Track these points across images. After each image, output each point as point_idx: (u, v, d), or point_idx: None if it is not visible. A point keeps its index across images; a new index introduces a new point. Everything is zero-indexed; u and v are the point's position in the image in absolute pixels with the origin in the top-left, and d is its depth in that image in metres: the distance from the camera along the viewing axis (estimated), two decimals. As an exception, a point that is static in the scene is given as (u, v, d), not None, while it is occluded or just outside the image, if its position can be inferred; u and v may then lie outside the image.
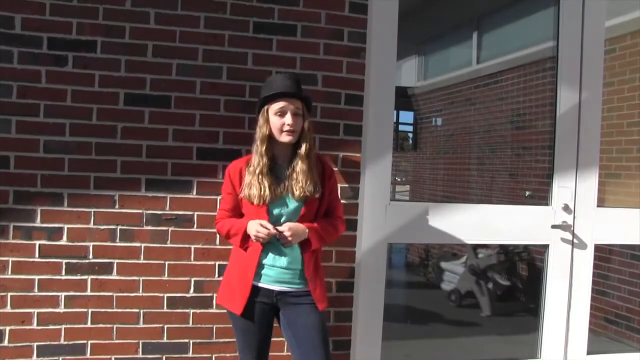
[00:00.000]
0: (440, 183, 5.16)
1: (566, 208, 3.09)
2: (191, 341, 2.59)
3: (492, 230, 3.03)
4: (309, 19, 2.66)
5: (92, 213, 2.49)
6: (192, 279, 2.58)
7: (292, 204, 2.20)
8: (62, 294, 2.47)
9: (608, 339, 3.75)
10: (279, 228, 2.14)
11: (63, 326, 2.47)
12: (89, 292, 2.49)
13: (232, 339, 2.43)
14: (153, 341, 2.55)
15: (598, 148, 3.14)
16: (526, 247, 3.97)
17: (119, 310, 2.52)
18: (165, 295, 2.56)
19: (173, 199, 2.55)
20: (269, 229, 2.11)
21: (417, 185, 5.36)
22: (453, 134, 5.12)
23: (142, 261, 2.53)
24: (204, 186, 2.57)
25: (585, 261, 3.13)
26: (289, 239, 2.14)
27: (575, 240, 3.11)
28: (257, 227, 2.12)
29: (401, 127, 5.26)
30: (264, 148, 2.17)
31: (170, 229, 2.55)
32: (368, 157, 2.79)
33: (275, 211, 2.19)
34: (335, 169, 2.68)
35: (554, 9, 3.16)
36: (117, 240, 2.51)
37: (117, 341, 2.52)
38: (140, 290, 2.53)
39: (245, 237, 2.19)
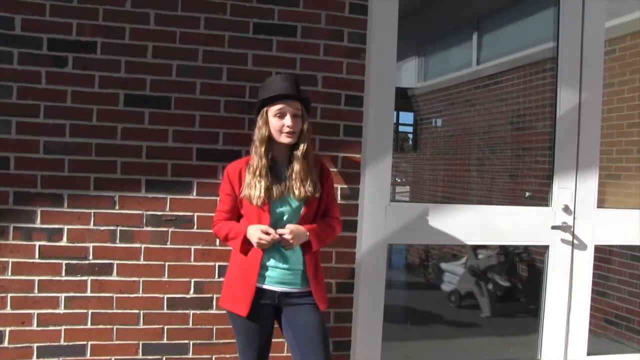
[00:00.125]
0: (441, 184, 5.16)
1: (566, 209, 3.09)
2: (191, 342, 2.59)
3: (492, 231, 3.03)
4: (309, 19, 2.67)
5: (92, 214, 2.49)
6: (192, 280, 2.58)
7: (294, 204, 2.21)
8: (62, 295, 2.47)
9: (608, 340, 3.75)
10: (280, 231, 2.14)
11: (63, 327, 2.47)
12: (89, 293, 2.49)
13: (232, 340, 2.42)
14: (153, 342, 2.55)
15: (598, 149, 3.14)
16: (526, 248, 3.96)
17: (119, 311, 2.52)
18: (165, 296, 2.56)
19: (173, 200, 2.55)
20: (271, 234, 2.11)
21: (417, 186, 5.36)
22: (453, 135, 5.12)
23: (142, 262, 2.53)
24: (204, 187, 2.57)
25: (585, 262, 3.13)
26: (291, 241, 2.14)
27: (575, 241, 3.11)
28: (259, 234, 2.11)
29: (401, 128, 5.26)
30: (263, 149, 2.17)
31: (170, 230, 2.55)
32: (368, 157, 2.79)
33: (278, 211, 2.19)
34: (334, 169, 2.68)
35: (554, 9, 3.16)
36: (117, 241, 2.51)
37: (117, 342, 2.52)
38: (140, 291, 2.53)
39: (245, 242, 2.18)
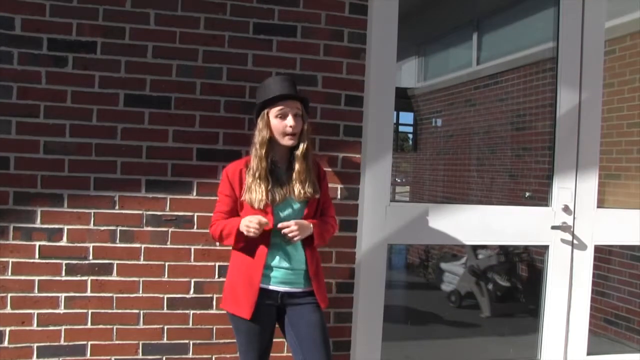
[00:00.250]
0: (441, 184, 5.16)
1: (566, 209, 3.09)
2: (191, 342, 2.59)
3: (492, 231, 3.03)
4: (309, 19, 2.67)
5: (92, 214, 2.49)
6: (192, 280, 2.58)
7: (295, 205, 2.22)
8: (62, 295, 2.47)
9: (608, 340, 3.75)
10: (283, 224, 2.15)
11: (63, 327, 2.47)
12: (89, 293, 2.49)
13: (232, 340, 2.42)
14: (153, 342, 2.55)
15: (598, 149, 3.14)
16: (526, 248, 3.96)
17: (119, 311, 2.52)
18: (165, 296, 2.56)
19: (173, 200, 2.55)
20: (258, 219, 2.09)
21: (417, 186, 5.35)
22: (453, 135, 5.12)
23: (142, 262, 2.53)
24: (204, 187, 2.57)
25: (585, 262, 3.13)
26: (296, 232, 2.14)
27: (575, 241, 3.11)
28: (246, 223, 2.10)
29: (401, 128, 5.25)
30: (263, 151, 2.17)
31: (170, 229, 2.55)
32: (368, 158, 2.79)
33: (281, 214, 2.20)
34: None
35: (554, 9, 3.16)
36: (117, 241, 2.51)
37: (117, 342, 2.52)
38: (140, 291, 2.53)
39: (239, 235, 2.16)
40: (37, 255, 2.44)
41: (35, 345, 2.45)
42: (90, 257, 2.49)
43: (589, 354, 3.16)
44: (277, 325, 2.29)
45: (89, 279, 2.49)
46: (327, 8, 2.69)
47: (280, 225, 2.15)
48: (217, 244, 2.56)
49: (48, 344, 2.46)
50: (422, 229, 2.92)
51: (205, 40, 2.57)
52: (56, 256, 2.46)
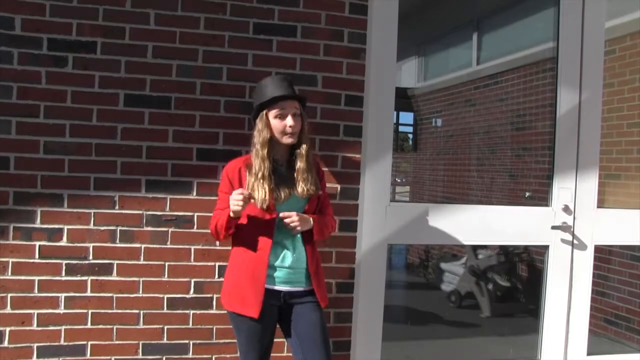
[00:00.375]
0: (441, 184, 5.15)
1: (566, 209, 3.09)
2: (191, 342, 2.59)
3: (492, 231, 3.03)
4: (309, 19, 2.67)
5: (92, 214, 2.49)
6: (192, 280, 2.58)
7: (298, 204, 2.22)
8: (62, 295, 2.47)
9: (608, 340, 3.75)
10: (287, 213, 2.16)
11: (63, 327, 2.47)
12: (89, 293, 2.49)
13: (232, 340, 2.43)
14: (153, 342, 2.55)
15: (598, 149, 3.14)
16: (526, 248, 3.96)
17: (119, 311, 2.52)
18: (165, 296, 2.56)
19: (173, 200, 2.55)
20: (242, 193, 2.08)
21: (417, 186, 5.35)
22: (453, 135, 5.12)
23: (142, 262, 2.53)
24: (204, 187, 2.57)
25: (585, 262, 3.13)
26: (297, 223, 2.15)
27: (575, 241, 3.11)
28: (231, 201, 2.09)
29: (401, 128, 5.25)
30: (265, 151, 2.17)
31: (170, 229, 2.55)
32: (368, 158, 2.79)
33: (279, 210, 2.20)
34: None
35: (554, 9, 3.16)
36: (117, 241, 2.51)
37: (117, 342, 2.52)
38: (140, 291, 2.53)
39: (230, 221, 2.15)
40: (37, 255, 2.44)
41: (35, 345, 2.45)
42: (90, 257, 2.49)
43: (589, 354, 3.16)
44: (277, 325, 2.29)
45: (89, 279, 2.49)
46: (327, 8, 2.69)
47: (282, 214, 2.16)
48: (217, 243, 2.56)
49: (48, 344, 2.46)
50: (422, 229, 2.92)
51: (205, 40, 2.57)
52: (56, 256, 2.46)
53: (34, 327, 2.45)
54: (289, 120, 2.17)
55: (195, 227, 2.57)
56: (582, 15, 3.08)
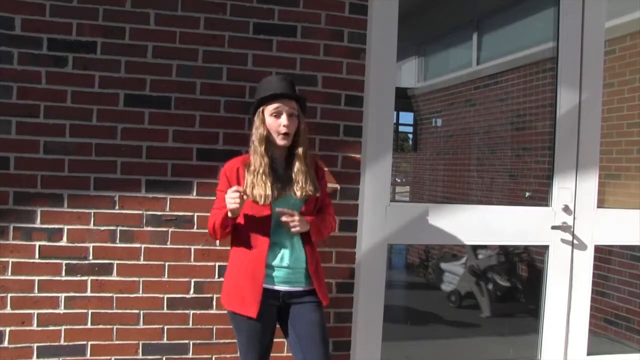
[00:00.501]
0: (441, 184, 5.15)
1: (566, 209, 3.09)
2: (191, 342, 2.59)
3: (492, 231, 3.03)
4: (309, 19, 2.67)
5: (92, 214, 2.49)
6: (192, 280, 2.58)
7: (294, 204, 2.22)
8: (62, 295, 2.47)
9: (608, 340, 3.75)
10: (288, 211, 2.16)
11: (63, 327, 2.47)
12: (89, 293, 2.49)
13: (232, 340, 2.43)
14: (153, 342, 2.55)
15: (598, 149, 3.14)
16: (526, 248, 3.96)
17: (119, 311, 2.52)
18: (165, 296, 2.56)
19: (173, 200, 2.55)
20: (238, 190, 2.07)
21: (417, 186, 5.35)
22: (453, 135, 5.12)
23: (142, 262, 2.53)
24: (204, 187, 2.57)
25: (585, 262, 3.13)
26: (297, 223, 2.15)
27: (575, 241, 3.11)
28: (227, 200, 2.08)
29: (401, 128, 5.25)
30: (263, 148, 2.18)
31: (170, 229, 2.55)
32: (368, 157, 2.79)
33: (279, 210, 2.19)
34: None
35: (554, 9, 3.16)
36: (117, 241, 2.51)
37: (117, 342, 2.52)
38: (140, 291, 2.53)
39: (226, 219, 2.15)
40: (37, 255, 2.44)
41: (35, 345, 2.45)
42: (90, 257, 2.49)
43: (589, 354, 3.16)
44: (277, 325, 2.29)
45: (89, 279, 2.49)
46: (327, 8, 2.69)
47: (283, 210, 2.15)
48: (217, 243, 2.56)
49: (48, 344, 2.46)
50: (422, 229, 2.92)
51: (205, 40, 2.57)
52: (56, 256, 2.46)
53: (34, 327, 2.45)
54: (283, 119, 2.17)
55: (195, 227, 2.57)
56: (582, 15, 3.08)
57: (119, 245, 2.51)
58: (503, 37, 4.58)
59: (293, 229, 2.17)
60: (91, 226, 2.49)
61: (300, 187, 2.19)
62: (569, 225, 3.08)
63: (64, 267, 2.46)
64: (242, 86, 2.61)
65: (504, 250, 4.14)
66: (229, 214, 2.12)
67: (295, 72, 2.64)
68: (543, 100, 3.74)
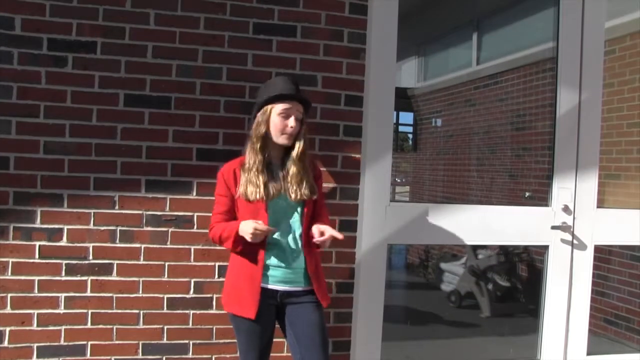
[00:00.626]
0: (440, 184, 5.16)
1: (566, 209, 3.09)
2: (191, 342, 2.59)
3: (492, 231, 3.03)
4: (309, 19, 2.67)
5: (92, 214, 2.49)
6: (192, 280, 2.58)
7: (290, 205, 2.22)
8: (62, 295, 2.47)
9: (608, 340, 3.75)
10: (323, 228, 2.18)
11: (63, 327, 2.47)
12: (89, 293, 2.49)
13: (232, 340, 2.43)
14: (153, 342, 2.55)
15: (598, 149, 3.14)
16: (526, 248, 3.96)
17: (119, 311, 2.52)
18: (165, 296, 2.56)
19: (173, 200, 2.55)
20: (264, 231, 2.09)
21: (417, 186, 5.35)
22: (453, 135, 5.12)
23: (142, 262, 2.53)
24: (204, 187, 2.57)
25: (585, 262, 3.13)
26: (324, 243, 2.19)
27: (575, 241, 3.11)
28: (254, 225, 2.08)
29: (401, 128, 5.26)
30: (259, 146, 2.18)
31: (170, 230, 2.55)
32: (368, 157, 2.79)
33: (273, 209, 2.20)
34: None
35: (554, 9, 3.16)
36: (117, 241, 2.51)
37: (117, 342, 2.52)
38: (140, 291, 2.53)
39: (237, 240, 2.16)
40: (37, 255, 2.44)
41: (35, 345, 2.45)
42: (90, 257, 2.49)
43: (589, 354, 3.16)
44: (277, 325, 2.29)
45: (89, 279, 2.49)
46: (327, 8, 2.69)
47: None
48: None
49: (48, 344, 2.46)
50: (422, 229, 2.92)
51: (205, 40, 2.57)
52: (56, 256, 2.46)
53: (34, 327, 2.45)
54: (291, 121, 2.18)
55: (195, 227, 2.57)
56: (582, 15, 3.08)
57: (118, 245, 2.51)
58: (503, 37, 4.58)
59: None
60: (91, 226, 2.49)
61: (295, 191, 2.19)
62: (569, 225, 3.08)
63: (63, 267, 2.46)
64: (242, 86, 2.61)
65: (504, 250, 4.15)
66: (248, 239, 2.11)
67: (295, 72, 2.64)
68: (543, 100, 3.74)
